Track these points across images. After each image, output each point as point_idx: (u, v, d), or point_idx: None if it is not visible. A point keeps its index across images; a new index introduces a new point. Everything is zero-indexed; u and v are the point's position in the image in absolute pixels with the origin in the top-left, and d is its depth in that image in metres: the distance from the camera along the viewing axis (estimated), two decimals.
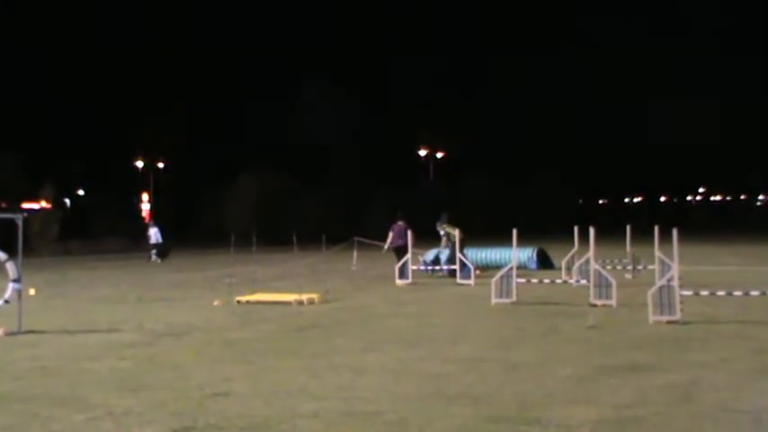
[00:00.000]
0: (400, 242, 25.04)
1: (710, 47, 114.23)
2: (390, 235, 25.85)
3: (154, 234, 40.31)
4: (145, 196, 79.80)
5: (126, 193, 77.23)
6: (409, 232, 24.68)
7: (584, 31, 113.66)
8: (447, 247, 25.58)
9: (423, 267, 25.36)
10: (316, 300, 18.33)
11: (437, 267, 25.28)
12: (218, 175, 70.50)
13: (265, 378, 9.91)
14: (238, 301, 18.28)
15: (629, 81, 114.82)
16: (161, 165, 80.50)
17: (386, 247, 26.25)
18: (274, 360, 11.14)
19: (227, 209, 64.82)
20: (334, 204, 67.38)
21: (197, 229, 65.68)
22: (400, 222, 25.74)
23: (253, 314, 16.42)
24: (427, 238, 29.17)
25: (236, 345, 12.59)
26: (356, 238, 31.28)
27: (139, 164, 78.86)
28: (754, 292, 14.83)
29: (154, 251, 39.74)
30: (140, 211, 78.16)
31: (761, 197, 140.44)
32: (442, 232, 25.80)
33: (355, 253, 30.65)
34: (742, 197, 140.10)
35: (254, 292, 19.56)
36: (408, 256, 23.72)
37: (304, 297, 18.20)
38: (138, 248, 46.22)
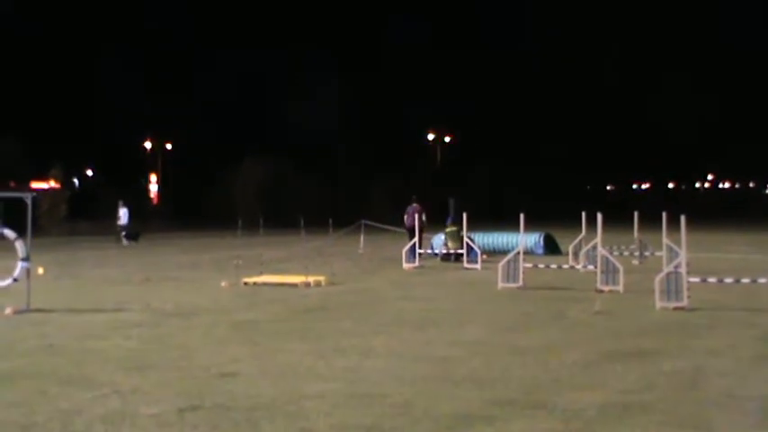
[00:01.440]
0: (412, 224, 25.20)
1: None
2: (406, 217, 26.01)
3: (123, 215, 37.94)
4: (153, 177, 79.93)
5: (134, 173, 77.29)
6: (416, 216, 24.77)
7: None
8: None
9: (430, 251, 25.39)
10: (322, 282, 18.36)
11: (447, 252, 25.19)
12: (225, 158, 70.41)
13: (272, 359, 9.94)
14: (245, 283, 18.32)
15: (634, 71, 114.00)
16: (169, 146, 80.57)
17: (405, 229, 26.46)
18: (281, 341, 11.17)
19: (235, 191, 64.92)
20: (339, 188, 67.46)
21: (205, 210, 65.75)
22: (414, 205, 25.96)
23: (260, 296, 16.47)
24: (436, 222, 29.16)
25: (243, 326, 12.62)
26: (363, 221, 31.29)
27: (148, 145, 78.97)
28: (762, 280, 14.80)
29: (123, 233, 37.58)
30: (148, 191, 78.33)
31: None
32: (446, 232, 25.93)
33: (362, 236, 30.68)
34: (751, 185, 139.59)
35: (261, 273, 19.59)
36: (416, 239, 23.74)
37: (311, 279, 18.23)
38: (145, 229, 46.28)
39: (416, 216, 25.09)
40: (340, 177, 70.45)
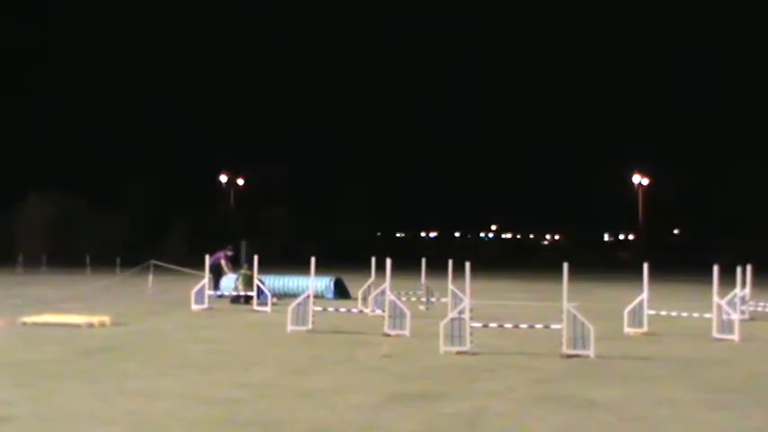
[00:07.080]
0: (214, 263, 25.47)
1: None
2: (212, 259, 25.96)
3: None
4: None
5: None
6: (223, 260, 25.10)
7: None
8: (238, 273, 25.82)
9: (219, 293, 25.17)
10: (107, 322, 17.80)
11: (237, 294, 25.03)
12: (7, 192, 67.07)
13: (50, 402, 9.56)
14: (24, 323, 17.51)
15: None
16: None
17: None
18: (61, 383, 10.75)
19: (16, 228, 61.98)
20: (132, 228, 65.84)
21: None
22: (226, 251, 26.84)
23: (39, 336, 15.78)
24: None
25: (19, 367, 12.08)
26: (153, 262, 30.60)
27: None
28: (538, 326, 15.54)
29: None
30: None
31: (547, 236, 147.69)
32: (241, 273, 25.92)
33: (151, 276, 30.00)
34: (531, 236, 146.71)
35: (41, 313, 18.78)
36: (205, 281, 23.45)
37: (95, 319, 17.65)
38: None
39: (223, 261, 25.65)
40: (134, 217, 68.62)
